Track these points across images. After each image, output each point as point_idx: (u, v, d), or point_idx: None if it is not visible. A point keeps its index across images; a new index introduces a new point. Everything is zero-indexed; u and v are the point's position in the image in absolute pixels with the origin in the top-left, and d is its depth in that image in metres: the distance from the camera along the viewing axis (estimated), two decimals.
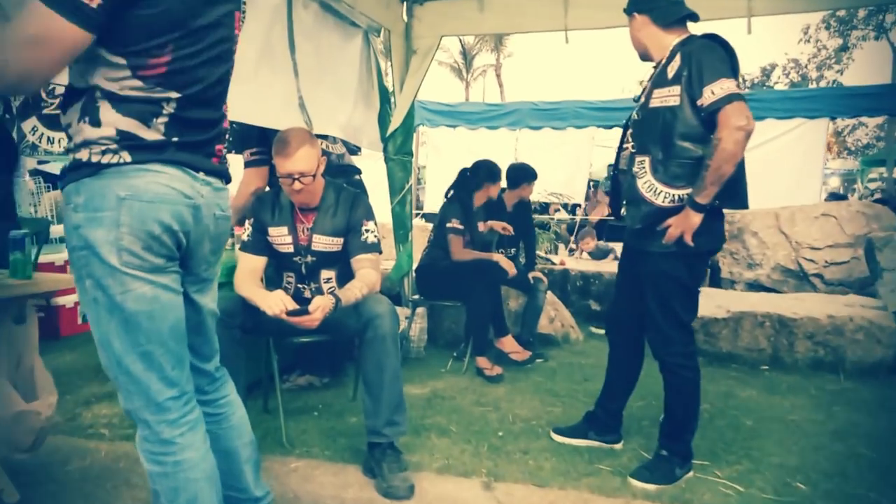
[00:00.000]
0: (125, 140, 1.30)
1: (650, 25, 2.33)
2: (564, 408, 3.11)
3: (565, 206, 9.99)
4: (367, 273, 2.49)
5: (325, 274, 2.63)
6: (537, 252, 4.83)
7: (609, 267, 5.34)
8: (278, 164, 2.41)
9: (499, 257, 3.79)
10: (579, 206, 9.60)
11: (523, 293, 4.22)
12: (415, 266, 4.23)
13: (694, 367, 2.31)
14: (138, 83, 1.28)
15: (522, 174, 4.22)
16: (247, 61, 2.78)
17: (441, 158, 9.61)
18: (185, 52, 1.31)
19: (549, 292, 4.34)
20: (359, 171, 3.40)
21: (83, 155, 1.30)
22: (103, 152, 1.30)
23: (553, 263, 5.30)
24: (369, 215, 2.59)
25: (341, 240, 2.57)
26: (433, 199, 9.64)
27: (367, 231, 2.55)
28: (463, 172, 3.95)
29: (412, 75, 4.29)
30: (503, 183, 4.14)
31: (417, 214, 10.00)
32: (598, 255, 6.12)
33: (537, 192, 9.91)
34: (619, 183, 2.49)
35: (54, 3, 1.15)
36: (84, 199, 1.30)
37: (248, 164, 3.05)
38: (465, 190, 3.89)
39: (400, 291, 4.30)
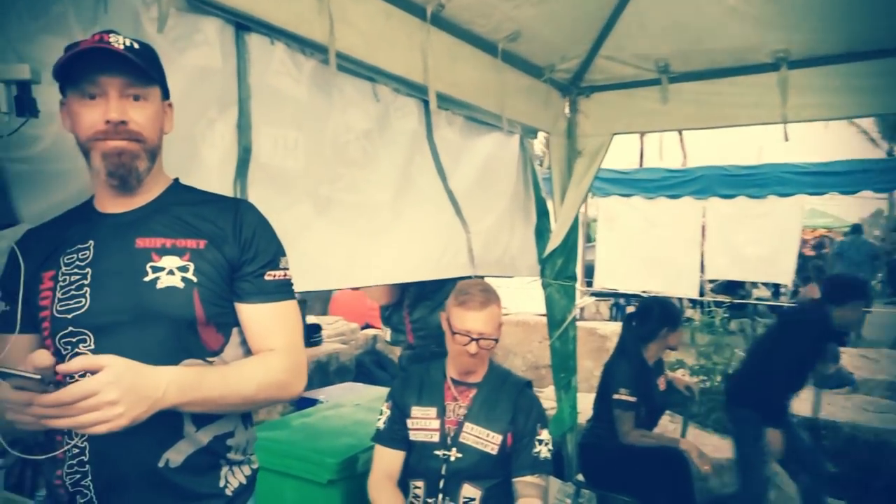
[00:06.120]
0: None
1: None
2: None
3: (767, 284, 8.44)
4: None
5: (468, 491, 1.95)
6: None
7: (846, 412, 4.03)
8: (458, 318, 1.93)
9: (689, 446, 2.73)
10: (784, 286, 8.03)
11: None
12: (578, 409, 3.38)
13: None
14: None
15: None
16: (383, 207, 2.27)
17: (614, 231, 8.60)
18: None
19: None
20: None
21: (246, 473, 1.26)
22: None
23: None
24: (545, 420, 1.95)
25: (499, 439, 1.92)
26: (604, 277, 8.67)
27: (540, 442, 1.91)
28: (628, 320, 3.04)
29: (577, 183, 3.53)
30: None
31: (585, 291, 9.07)
32: (835, 382, 4.72)
33: (732, 270, 8.56)
34: None
35: None
36: None
37: None
38: (633, 344, 2.95)
39: (562, 451, 3.43)
